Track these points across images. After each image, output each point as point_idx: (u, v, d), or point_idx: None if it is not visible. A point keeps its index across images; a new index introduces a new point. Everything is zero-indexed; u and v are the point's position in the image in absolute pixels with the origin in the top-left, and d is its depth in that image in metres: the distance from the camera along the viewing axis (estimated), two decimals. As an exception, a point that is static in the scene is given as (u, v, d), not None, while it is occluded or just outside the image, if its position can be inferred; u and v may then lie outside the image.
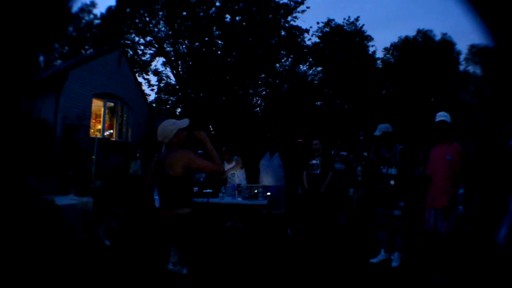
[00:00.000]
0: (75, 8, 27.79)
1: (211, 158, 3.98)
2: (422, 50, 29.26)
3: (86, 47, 29.35)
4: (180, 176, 3.86)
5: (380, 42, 67.74)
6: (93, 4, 29.61)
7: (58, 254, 6.19)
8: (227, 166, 9.37)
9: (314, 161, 8.44)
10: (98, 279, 5.54)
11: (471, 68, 30.66)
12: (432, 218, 5.57)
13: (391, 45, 31.84)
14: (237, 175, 9.30)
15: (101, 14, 28.40)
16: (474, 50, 30.16)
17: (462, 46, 44.62)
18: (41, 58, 26.44)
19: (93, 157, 12.13)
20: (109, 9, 26.75)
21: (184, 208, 3.88)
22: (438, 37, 30.83)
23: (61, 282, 5.19)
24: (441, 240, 5.45)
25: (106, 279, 5.59)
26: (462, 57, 30.69)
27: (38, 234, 5.84)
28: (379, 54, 32.04)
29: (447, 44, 30.27)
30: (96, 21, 29.25)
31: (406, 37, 31.27)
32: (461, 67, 30.61)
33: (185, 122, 4.10)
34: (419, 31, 31.22)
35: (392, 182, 6.18)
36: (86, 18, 29.96)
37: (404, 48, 30.62)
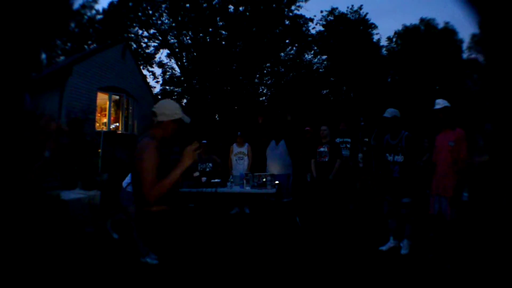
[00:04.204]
0: (76, 4, 27.76)
1: (163, 178, 3.11)
2: (425, 38, 29.24)
3: (89, 42, 29.36)
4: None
5: (385, 30, 67.39)
6: (95, 0, 29.60)
7: (65, 249, 6.15)
8: (237, 149, 9.50)
9: (322, 149, 8.33)
10: (106, 273, 5.50)
11: (474, 57, 30.67)
12: (436, 204, 5.59)
13: (395, 33, 31.92)
14: (245, 160, 9.44)
15: (103, 9, 28.41)
16: (476, 39, 30.14)
17: (465, 34, 44.35)
18: (43, 56, 26.49)
19: (99, 150, 12.07)
20: (111, 3, 26.72)
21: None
22: (441, 25, 30.91)
23: (68, 276, 5.15)
24: (447, 226, 5.44)
25: (115, 272, 5.54)
26: (465, 45, 30.78)
27: (43, 229, 5.77)
28: (384, 42, 32.13)
29: (449, 32, 30.27)
30: (99, 17, 29.28)
31: (410, 25, 31.39)
32: (464, 55, 30.70)
33: (186, 119, 3.45)
34: (422, 20, 31.29)
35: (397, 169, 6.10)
36: (88, 14, 29.97)
37: (407, 36, 30.63)
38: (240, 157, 9.49)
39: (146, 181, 3.06)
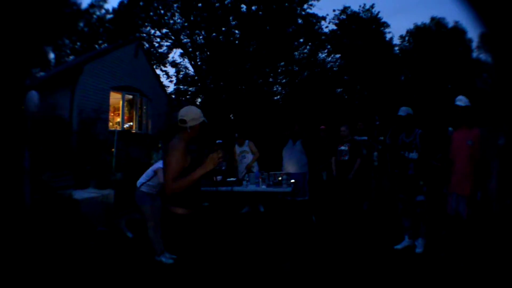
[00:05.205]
0: (84, 4, 27.98)
1: (183, 175, 3.52)
2: (436, 37, 29.20)
3: (100, 42, 29.45)
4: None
5: (397, 29, 67.16)
6: (104, -1, 29.76)
7: (75, 247, 6.13)
8: (239, 149, 9.80)
9: (342, 147, 8.32)
10: (120, 271, 5.46)
11: (483, 56, 30.59)
12: (454, 202, 5.53)
13: (407, 32, 31.95)
14: (247, 157, 9.67)
15: (114, 9, 28.49)
16: (484, 39, 30.05)
17: (474, 34, 44.36)
18: (52, 55, 26.65)
19: (113, 149, 12.03)
20: (121, 3, 26.74)
21: (177, 207, 3.62)
22: (450, 24, 31.06)
23: (79, 275, 5.12)
24: (463, 225, 5.40)
25: (129, 271, 5.50)
26: (474, 44, 30.74)
27: (51, 227, 5.73)
28: (396, 40, 32.12)
29: (459, 31, 30.23)
30: (109, 16, 29.36)
31: (421, 24, 31.45)
32: (474, 55, 30.66)
33: (205, 120, 3.89)
34: (432, 19, 31.34)
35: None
36: (98, 13, 30.09)
37: (419, 35, 30.62)
38: (243, 156, 9.71)
39: (169, 174, 3.50)
